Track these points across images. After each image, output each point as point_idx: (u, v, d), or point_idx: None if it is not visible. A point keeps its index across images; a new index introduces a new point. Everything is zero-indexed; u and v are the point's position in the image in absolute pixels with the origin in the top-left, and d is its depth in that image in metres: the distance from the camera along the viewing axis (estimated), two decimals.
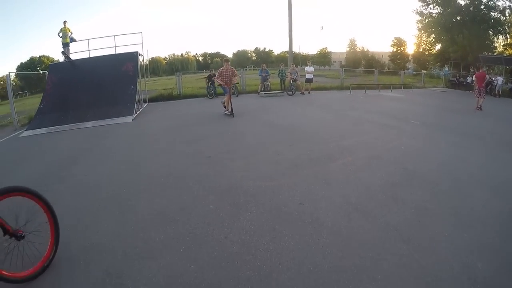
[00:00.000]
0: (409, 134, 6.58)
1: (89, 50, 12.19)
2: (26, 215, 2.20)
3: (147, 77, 16.02)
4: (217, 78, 8.73)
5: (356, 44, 48.88)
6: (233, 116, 8.37)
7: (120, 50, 12.19)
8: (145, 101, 12.42)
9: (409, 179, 3.96)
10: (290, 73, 14.67)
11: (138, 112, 9.98)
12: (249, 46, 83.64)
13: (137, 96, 10.57)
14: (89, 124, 8.53)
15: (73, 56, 11.75)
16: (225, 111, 8.88)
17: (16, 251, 2.09)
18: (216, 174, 4.17)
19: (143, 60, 13.29)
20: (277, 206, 3.17)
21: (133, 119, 8.88)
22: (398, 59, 40.20)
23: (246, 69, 20.11)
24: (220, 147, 5.52)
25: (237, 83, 10.21)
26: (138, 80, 11.13)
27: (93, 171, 3.56)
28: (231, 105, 8.51)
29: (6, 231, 2.08)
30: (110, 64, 11.11)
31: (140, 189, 3.73)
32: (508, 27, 24.95)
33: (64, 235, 2.48)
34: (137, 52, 11.70)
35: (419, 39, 31.68)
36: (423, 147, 5.58)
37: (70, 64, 11.42)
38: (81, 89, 10.21)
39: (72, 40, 11.69)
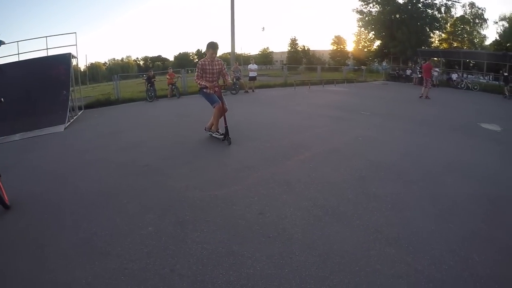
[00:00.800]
0: (362, 125, 6.62)
1: (18, 54, 11.04)
2: None
3: (85, 83, 15.28)
4: (198, 78, 5.17)
5: (297, 43, 50.92)
6: (229, 143, 5.12)
7: (52, 53, 11.24)
8: (80, 108, 11.57)
9: (376, 171, 3.78)
10: (233, 72, 14.64)
11: (71, 120, 9.29)
12: (191, 48, 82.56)
13: (70, 103, 9.79)
14: (17, 137, 7.77)
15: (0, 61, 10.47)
16: (213, 133, 5.59)
17: None
18: (155, 185, 3.52)
19: (77, 63, 12.48)
20: (232, 219, 2.64)
21: (65, 128, 8.24)
22: (338, 56, 42.90)
23: (188, 72, 19.89)
24: (160, 153, 4.85)
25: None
26: (72, 87, 10.27)
27: (10, 193, 3.03)
28: (226, 123, 5.19)
29: None
30: (40, 68, 10.15)
31: (64, 211, 2.96)
32: (443, 23, 28.76)
33: None
34: (70, 53, 10.75)
35: (358, 37, 34.54)
36: (380, 137, 5.60)
37: None
38: (8, 98, 8.72)
39: (1, 42, 10.33)
